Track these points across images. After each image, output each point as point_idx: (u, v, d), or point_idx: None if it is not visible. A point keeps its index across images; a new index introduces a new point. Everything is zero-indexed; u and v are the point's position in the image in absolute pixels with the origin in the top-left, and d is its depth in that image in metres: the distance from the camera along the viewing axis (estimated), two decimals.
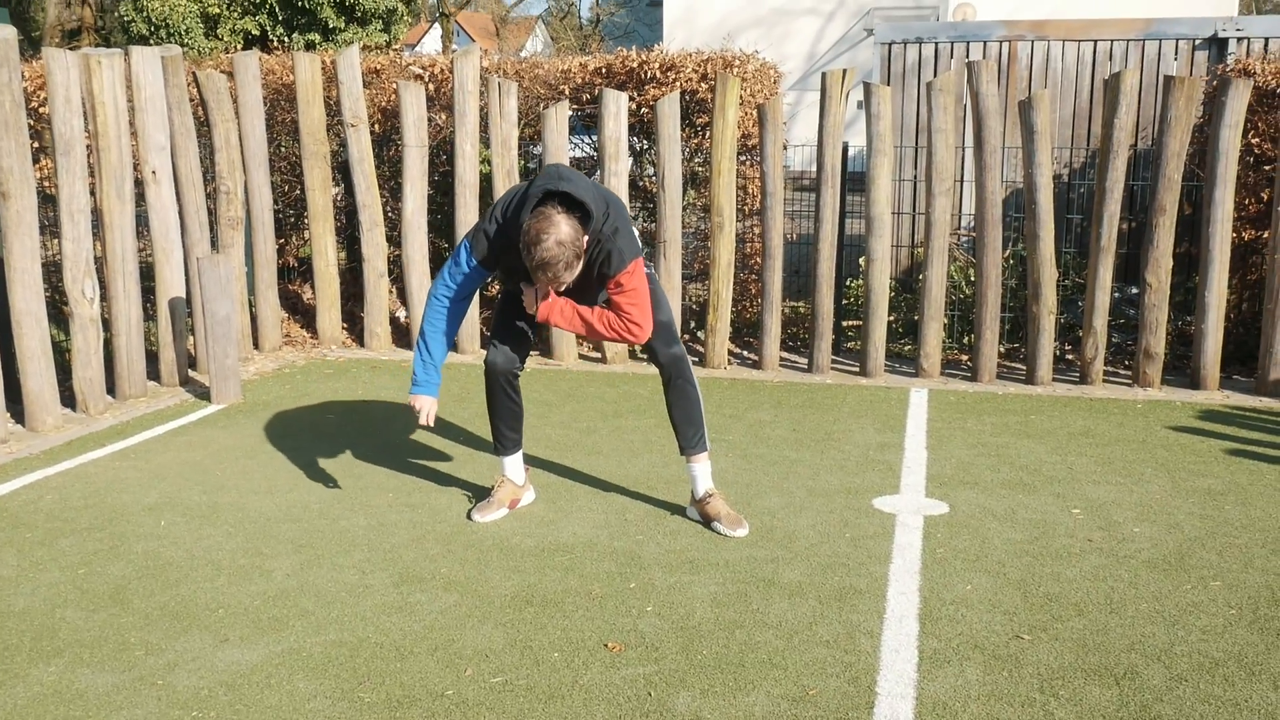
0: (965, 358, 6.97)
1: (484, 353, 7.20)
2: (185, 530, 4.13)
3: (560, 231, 3.51)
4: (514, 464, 4.29)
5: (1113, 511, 4.30)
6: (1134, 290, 7.11)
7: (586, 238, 3.63)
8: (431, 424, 4.07)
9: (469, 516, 4.24)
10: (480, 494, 4.49)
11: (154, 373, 6.51)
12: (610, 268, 3.74)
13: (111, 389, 6.10)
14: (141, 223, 6.50)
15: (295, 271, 8.48)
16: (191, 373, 6.66)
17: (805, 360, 6.95)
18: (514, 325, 4.10)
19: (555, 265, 3.52)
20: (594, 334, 3.84)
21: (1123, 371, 6.68)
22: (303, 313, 8.05)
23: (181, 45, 15.06)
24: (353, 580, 3.67)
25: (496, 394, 4.13)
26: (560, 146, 6.82)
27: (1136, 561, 3.80)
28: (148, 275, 6.54)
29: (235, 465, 4.91)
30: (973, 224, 7.35)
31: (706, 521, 4.13)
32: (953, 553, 3.88)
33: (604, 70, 7.43)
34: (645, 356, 7.08)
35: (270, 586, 3.62)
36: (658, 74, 7.25)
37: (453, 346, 4.29)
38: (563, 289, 3.76)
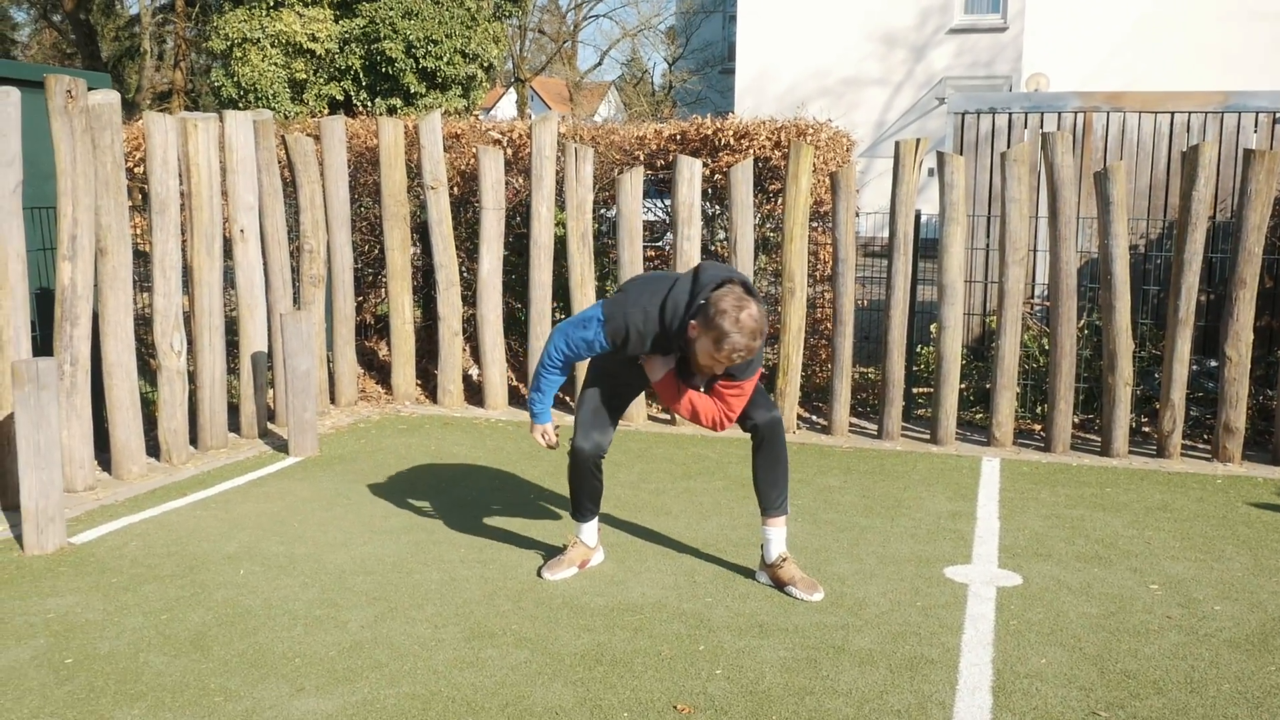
0: (1038, 427, 6.89)
1: (555, 413, 7.29)
2: (263, 579, 4.22)
3: (754, 311, 3.59)
4: (589, 529, 4.35)
5: (1192, 588, 4.21)
6: (1212, 363, 7.00)
7: None
8: (555, 442, 4.20)
9: (539, 574, 4.27)
10: (551, 552, 4.53)
11: (234, 424, 6.68)
12: (744, 371, 3.81)
13: (194, 440, 6.27)
14: (228, 279, 6.71)
15: (372, 329, 8.67)
16: (270, 425, 6.83)
17: (875, 426, 6.92)
18: (605, 410, 4.12)
19: (748, 350, 3.58)
20: (690, 413, 3.90)
21: (1201, 446, 6.56)
22: (378, 369, 8.22)
23: (269, 109, 15.59)
24: (425, 634, 3.72)
25: (584, 476, 4.16)
26: (634, 211, 6.93)
27: (1218, 640, 3.71)
28: (231, 330, 6.74)
29: (312, 517, 5.01)
30: (1046, 293, 7.30)
31: (780, 585, 4.13)
32: (1026, 625, 3.83)
33: (678, 136, 7.56)
34: None
35: (345, 638, 3.69)
36: (731, 141, 7.36)
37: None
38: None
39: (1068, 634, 3.75)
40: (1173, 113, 7.81)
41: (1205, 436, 6.66)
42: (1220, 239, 7.41)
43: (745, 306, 3.56)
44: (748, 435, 5.85)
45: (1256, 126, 7.63)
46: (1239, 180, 6.19)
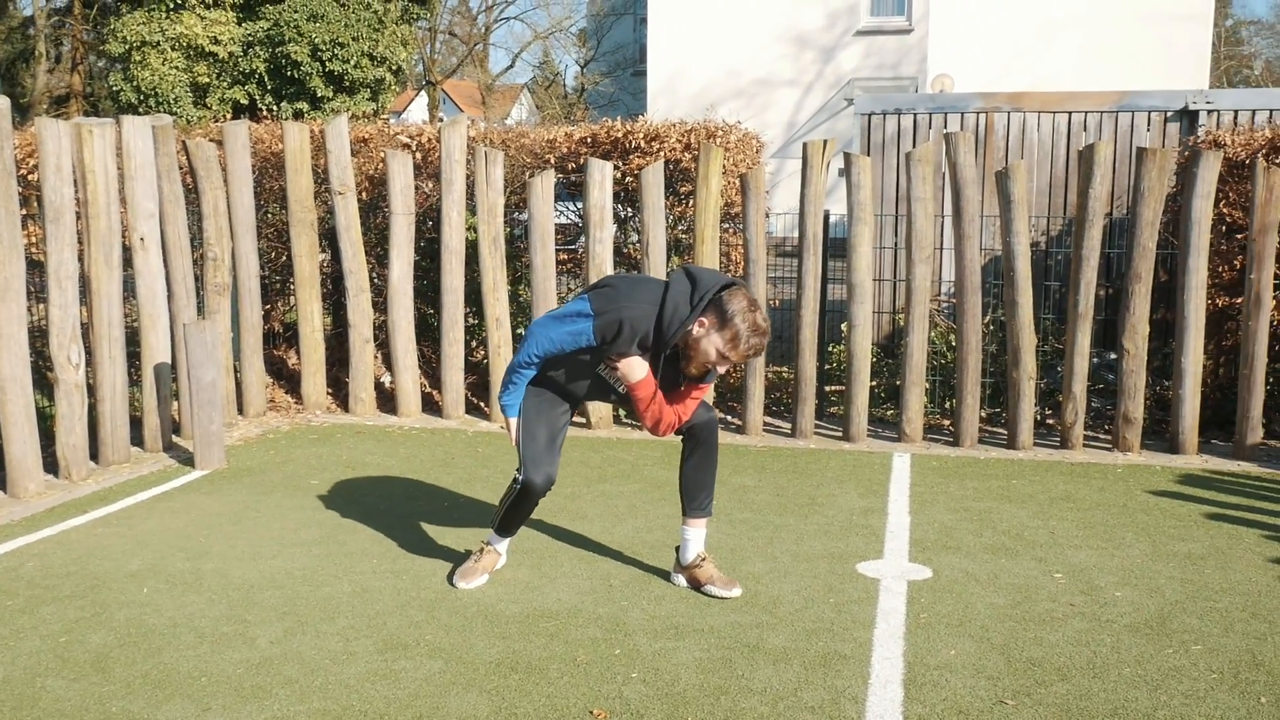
0: (947, 422, 7.03)
1: (468, 419, 7.24)
2: (168, 597, 4.11)
3: (764, 313, 3.74)
4: (507, 543, 4.32)
5: (1095, 576, 4.33)
6: (1112, 356, 7.20)
7: None
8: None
9: (450, 582, 4.23)
10: (465, 562, 4.48)
11: (137, 438, 6.50)
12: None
13: (95, 455, 6.09)
14: (128, 289, 6.53)
15: (281, 337, 8.51)
16: (175, 438, 6.66)
17: (789, 425, 6.99)
18: (554, 441, 4.07)
19: (760, 349, 3.69)
20: (655, 417, 3.89)
21: (1103, 436, 6.75)
22: (288, 378, 8.07)
23: (170, 114, 15.21)
24: (336, 648, 3.66)
25: (528, 506, 4.11)
26: (546, 214, 6.91)
27: (1118, 626, 3.82)
28: (133, 341, 6.56)
29: (219, 531, 4.90)
30: (953, 290, 7.45)
31: (697, 585, 4.14)
32: (936, 618, 3.90)
33: (589, 139, 7.55)
34: (631, 423, 7.11)
35: (254, 654, 3.61)
36: (642, 143, 7.37)
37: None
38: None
39: (976, 625, 3.83)
40: (1070, 112, 8.03)
41: (1106, 427, 6.86)
42: (1117, 235, 7.63)
43: (758, 309, 3.69)
44: (656, 437, 5.87)
45: (1149, 125, 7.88)
46: (1133, 178, 6.38)
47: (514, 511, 4.14)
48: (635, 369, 3.80)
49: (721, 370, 3.80)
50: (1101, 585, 4.22)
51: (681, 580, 4.21)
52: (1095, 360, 7.14)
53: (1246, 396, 6.23)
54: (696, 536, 4.17)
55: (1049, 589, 4.18)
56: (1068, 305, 6.46)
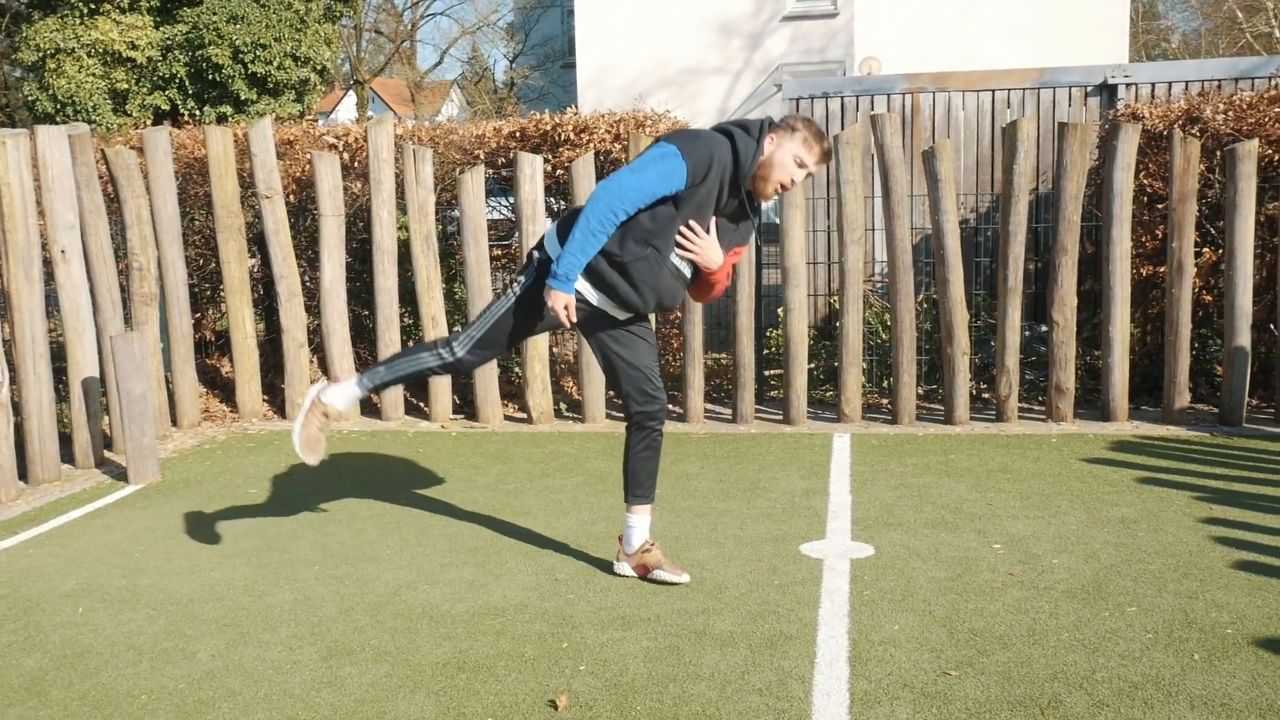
0: (885, 401, 7.10)
1: (408, 420, 7.18)
2: (105, 616, 4.03)
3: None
4: (347, 392, 4.17)
5: (1032, 545, 4.40)
6: (1043, 328, 7.32)
7: None
8: (575, 318, 3.83)
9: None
10: (409, 562, 4.45)
11: (68, 455, 6.36)
12: (747, 236, 3.98)
13: (24, 474, 5.95)
14: (51, 302, 6.38)
15: (213, 345, 8.37)
16: (107, 453, 6.52)
17: (730, 411, 7.02)
18: (516, 336, 3.99)
19: (829, 143, 3.82)
20: (721, 284, 3.95)
21: (1037, 407, 6.86)
22: (222, 387, 7.94)
23: (89, 122, 14.89)
24: (280, 657, 3.61)
25: (422, 375, 4.11)
26: (478, 210, 6.86)
27: (1056, 592, 3.89)
28: (59, 356, 6.42)
29: (155, 546, 4.81)
30: (886, 270, 7.52)
31: (645, 572, 4.14)
32: (879, 594, 3.94)
33: (518, 134, 7.51)
34: (573, 415, 7.08)
35: (195, 669, 3.55)
36: (571, 136, 7.35)
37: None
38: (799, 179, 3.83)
39: (918, 599, 3.88)
40: (994, 90, 8.14)
41: (1040, 399, 6.98)
42: (1043, 209, 7.76)
43: (813, 124, 3.79)
44: (599, 429, 5.87)
45: (1070, 100, 8.01)
46: (1056, 153, 6.49)
47: (406, 365, 4.08)
48: (715, 249, 3.79)
49: (800, 179, 3.79)
50: (1039, 554, 4.30)
51: (627, 568, 4.21)
52: (1027, 333, 7.26)
53: (1173, 362, 6.37)
54: (641, 524, 4.17)
55: (988, 560, 4.25)
56: (998, 280, 6.55)
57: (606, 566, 4.33)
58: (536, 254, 3.95)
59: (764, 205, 3.96)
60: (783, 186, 3.80)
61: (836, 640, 3.56)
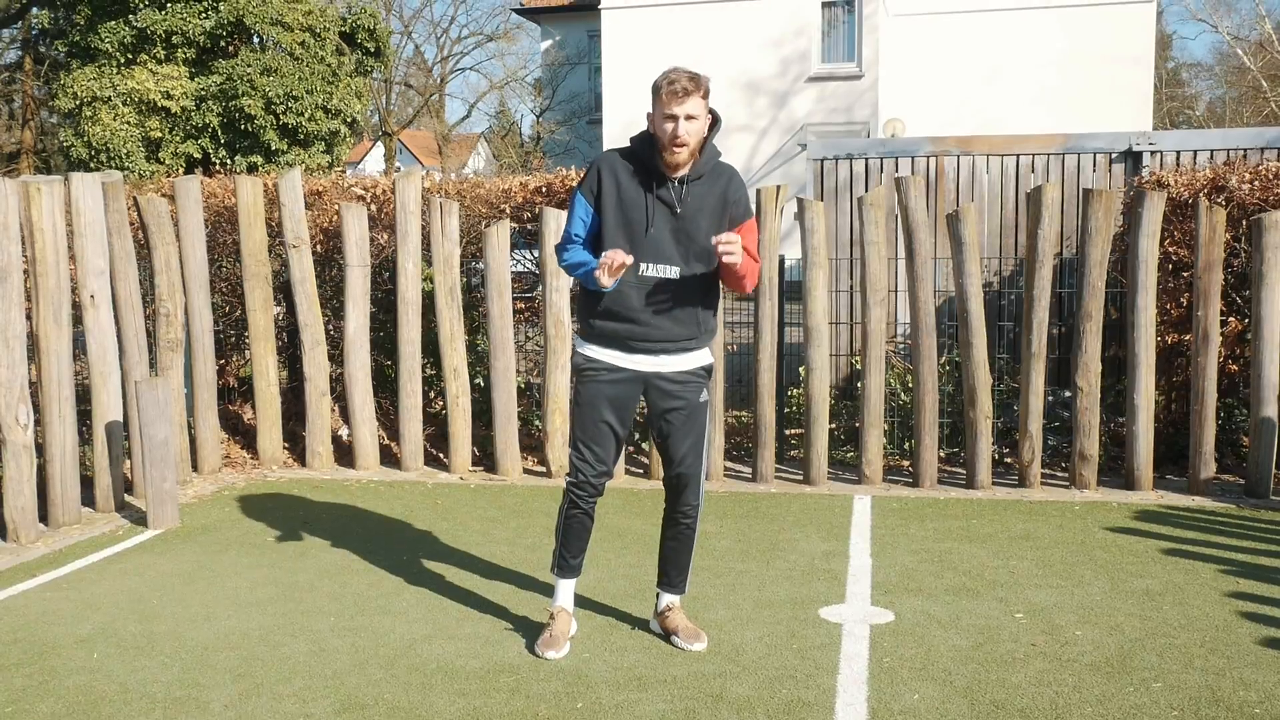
0: (906, 463, 7.06)
1: (427, 470, 7.17)
2: (119, 662, 4.01)
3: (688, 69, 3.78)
4: (569, 589, 4.13)
5: (1055, 615, 4.34)
6: (1067, 394, 7.28)
7: (710, 135, 3.83)
8: (627, 259, 3.74)
9: (540, 654, 3.99)
10: (425, 615, 4.43)
11: (89, 498, 6.37)
12: (746, 207, 3.92)
13: (44, 517, 5.96)
14: (78, 346, 6.44)
15: (236, 392, 8.41)
16: (128, 497, 6.54)
17: (749, 470, 6.99)
18: (604, 424, 3.92)
19: (687, 76, 3.70)
20: (747, 282, 3.89)
21: (1060, 474, 6.80)
22: (243, 433, 7.97)
23: (122, 169, 15.12)
24: (293, 710, 3.58)
25: (576, 509, 4.00)
26: (502, 264, 6.91)
27: (1080, 665, 3.83)
28: (84, 399, 6.46)
29: (172, 592, 4.80)
30: (908, 332, 7.52)
31: (666, 635, 4.12)
32: (899, 661, 3.89)
33: (544, 189, 7.58)
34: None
35: (207, 719, 3.52)
36: None
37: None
38: (683, 129, 3.72)
39: (939, 668, 3.82)
40: (1018, 155, 8.17)
41: (1063, 465, 6.92)
42: (1067, 274, 7.74)
43: (666, 74, 3.76)
44: (618, 485, 5.85)
45: (1095, 166, 8.03)
46: (1081, 218, 6.49)
47: (561, 528, 4.05)
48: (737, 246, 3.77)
49: (682, 130, 3.72)
50: (1062, 624, 4.23)
51: (657, 626, 4.19)
52: (1050, 398, 7.21)
53: (1199, 431, 6.31)
54: (669, 598, 4.17)
55: (1010, 629, 4.19)
56: (1021, 345, 6.53)
57: (622, 625, 4.29)
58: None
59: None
60: (675, 145, 3.76)
61: (855, 709, 3.51)
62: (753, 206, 3.90)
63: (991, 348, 7.32)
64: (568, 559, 4.09)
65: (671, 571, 4.14)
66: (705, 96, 3.76)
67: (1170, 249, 6.84)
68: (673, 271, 3.85)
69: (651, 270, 3.84)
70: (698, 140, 3.78)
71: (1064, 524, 5.71)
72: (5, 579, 5.07)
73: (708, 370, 4.01)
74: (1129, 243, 6.47)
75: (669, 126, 3.73)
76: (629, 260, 3.70)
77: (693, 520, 4.08)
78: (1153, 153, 7.95)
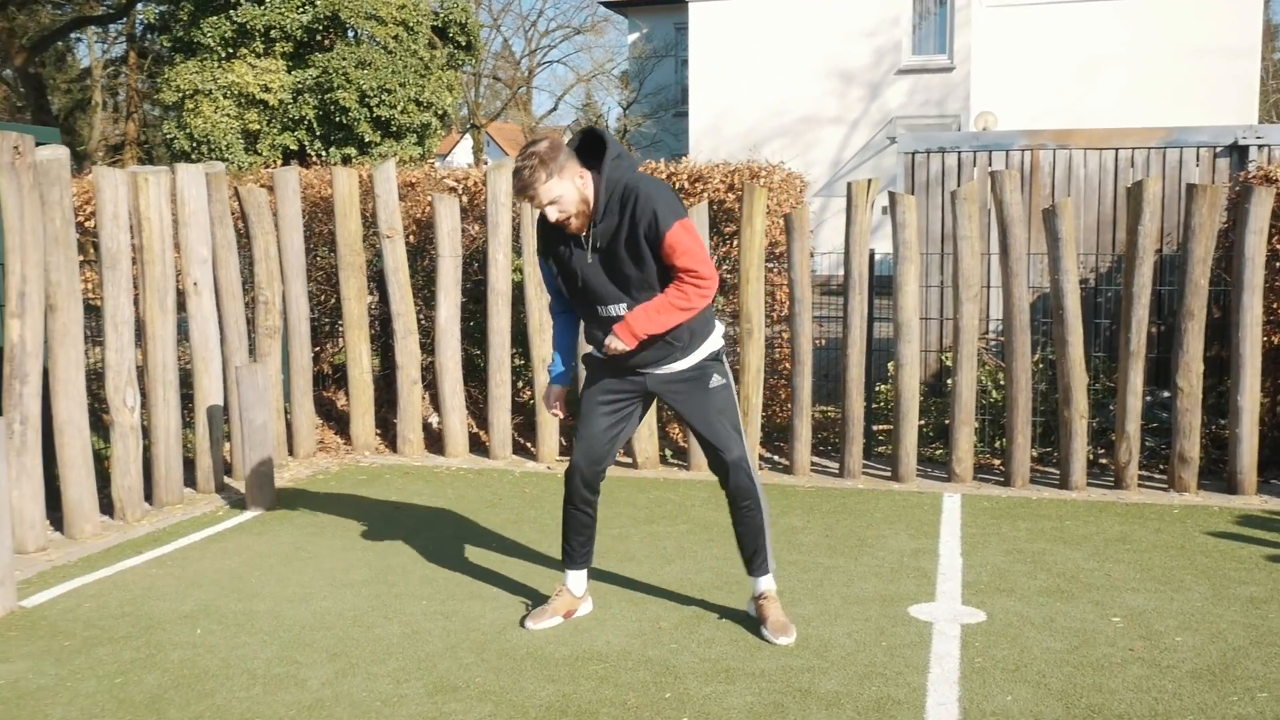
0: (998, 462, 6.94)
1: (515, 459, 7.26)
2: (221, 638, 4.14)
3: (538, 145, 3.73)
4: (577, 577, 4.30)
5: (1154, 620, 4.24)
6: (1166, 394, 7.09)
7: (591, 175, 3.78)
8: (557, 412, 4.24)
9: (522, 623, 4.21)
10: (514, 601, 4.48)
11: (190, 480, 6.58)
12: (655, 225, 3.70)
13: (149, 496, 6.17)
14: (181, 332, 6.64)
15: (330, 379, 8.60)
16: (227, 479, 6.73)
17: (836, 465, 6.94)
18: (600, 417, 4.11)
19: (522, 172, 3.67)
20: (675, 317, 3.83)
21: (1158, 476, 6.63)
22: (337, 419, 8.14)
23: (222, 160, 15.52)
24: (387, 690, 3.66)
25: (572, 502, 4.17)
26: None
27: (1180, 672, 3.74)
28: (186, 383, 6.66)
29: (270, 572, 4.94)
30: (1001, 329, 7.39)
31: (758, 622, 4.15)
32: (991, 662, 3.83)
33: None
34: (678, 463, 7.09)
35: (305, 696, 3.62)
36: (685, 185, 7.41)
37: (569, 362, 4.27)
38: (553, 213, 3.76)
39: (1032, 670, 3.76)
40: (1117, 149, 7.97)
41: (1161, 467, 6.74)
42: (1168, 272, 7.54)
43: (525, 148, 3.74)
44: (704, 478, 5.85)
45: (1198, 161, 7.80)
46: (1183, 214, 6.32)
47: (564, 517, 4.22)
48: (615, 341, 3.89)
49: (545, 212, 3.78)
50: (1161, 630, 4.13)
51: (753, 609, 4.22)
52: (1149, 399, 7.03)
53: None
54: (760, 582, 4.19)
55: (1107, 633, 4.10)
56: (1119, 343, 6.38)
57: (710, 617, 4.30)
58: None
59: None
60: (560, 225, 3.84)
61: (946, 708, 3.47)
62: (670, 215, 3.70)
63: (1087, 346, 7.15)
64: (567, 550, 4.28)
65: (744, 554, 4.18)
66: (556, 172, 3.70)
67: (1278, 246, 6.62)
68: (621, 309, 3.89)
69: (605, 310, 3.94)
70: (579, 204, 3.78)
71: (1162, 527, 5.57)
72: (113, 555, 5.26)
73: (710, 359, 4.07)
74: (1234, 239, 6.27)
75: (538, 210, 3.83)
76: (560, 415, 4.24)
77: (750, 502, 4.10)
78: (1260, 147, 7.70)
